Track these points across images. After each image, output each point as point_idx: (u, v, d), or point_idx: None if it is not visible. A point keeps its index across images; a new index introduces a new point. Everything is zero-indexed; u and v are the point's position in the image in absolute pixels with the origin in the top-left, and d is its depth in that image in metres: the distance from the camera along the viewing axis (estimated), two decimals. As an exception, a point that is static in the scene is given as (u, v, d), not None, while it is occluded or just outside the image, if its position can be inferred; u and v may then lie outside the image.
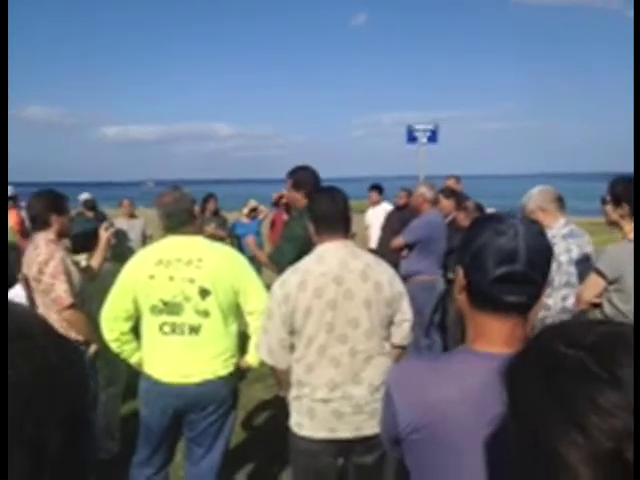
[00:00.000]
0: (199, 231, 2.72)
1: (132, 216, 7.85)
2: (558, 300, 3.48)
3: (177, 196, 2.69)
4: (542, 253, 1.13)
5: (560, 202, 3.56)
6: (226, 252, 2.73)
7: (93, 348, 3.10)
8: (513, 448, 0.67)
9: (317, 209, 2.44)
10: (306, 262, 2.40)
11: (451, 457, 1.11)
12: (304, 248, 2.64)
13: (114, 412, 3.79)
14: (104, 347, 2.81)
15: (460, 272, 1.18)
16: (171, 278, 2.56)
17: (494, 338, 1.14)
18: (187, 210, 2.67)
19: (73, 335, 3.03)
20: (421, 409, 1.14)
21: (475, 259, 1.13)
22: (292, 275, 2.36)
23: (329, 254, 2.37)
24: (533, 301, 1.14)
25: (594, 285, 3.01)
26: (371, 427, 2.32)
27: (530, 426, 0.63)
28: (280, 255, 3.10)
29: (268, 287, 2.58)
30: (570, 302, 3.44)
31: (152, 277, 2.57)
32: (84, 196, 8.28)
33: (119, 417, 3.86)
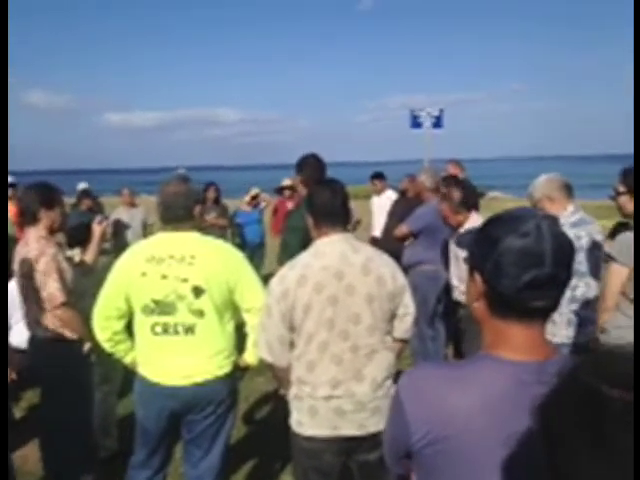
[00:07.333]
0: (194, 228, 2.61)
1: (132, 205, 7.73)
2: (567, 289, 3.38)
3: (181, 190, 2.57)
4: (567, 251, 1.07)
5: (568, 189, 3.45)
6: (220, 248, 2.62)
7: (87, 346, 3.02)
8: None
9: (317, 202, 2.37)
10: (305, 257, 2.33)
11: (469, 472, 1.03)
12: (306, 239, 2.56)
13: (110, 410, 3.73)
14: (98, 345, 2.73)
15: (478, 278, 1.09)
16: (164, 276, 2.46)
17: (518, 345, 1.06)
18: (186, 208, 2.55)
19: (67, 333, 2.96)
20: (440, 419, 1.05)
21: (499, 265, 1.04)
22: (290, 270, 2.29)
23: (329, 248, 2.30)
24: (557, 304, 1.08)
25: (617, 275, 2.93)
26: (375, 424, 2.28)
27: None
28: (286, 249, 3.01)
29: (271, 275, 2.49)
30: (580, 292, 3.34)
31: (144, 274, 2.48)
32: (81, 186, 8.19)
33: (117, 415, 3.81)
